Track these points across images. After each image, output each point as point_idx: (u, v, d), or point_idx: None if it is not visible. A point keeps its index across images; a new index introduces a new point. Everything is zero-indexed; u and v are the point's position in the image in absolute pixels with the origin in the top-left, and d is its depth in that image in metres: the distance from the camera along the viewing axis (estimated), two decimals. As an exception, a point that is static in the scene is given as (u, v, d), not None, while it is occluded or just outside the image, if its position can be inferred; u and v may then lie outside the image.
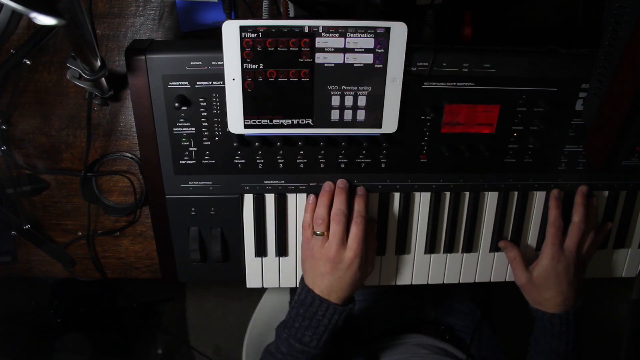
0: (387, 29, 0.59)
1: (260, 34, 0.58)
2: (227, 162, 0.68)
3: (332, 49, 0.59)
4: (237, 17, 0.73)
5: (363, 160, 0.69)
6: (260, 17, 0.72)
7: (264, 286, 0.77)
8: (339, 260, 0.66)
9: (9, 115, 0.75)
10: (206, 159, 0.67)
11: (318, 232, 0.67)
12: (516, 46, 0.65)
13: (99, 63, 0.59)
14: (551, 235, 0.72)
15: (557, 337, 0.72)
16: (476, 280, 0.79)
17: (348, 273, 0.67)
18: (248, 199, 0.71)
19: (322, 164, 0.69)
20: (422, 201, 0.73)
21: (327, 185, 0.69)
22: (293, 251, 0.75)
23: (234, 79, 0.60)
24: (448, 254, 0.77)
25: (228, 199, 0.70)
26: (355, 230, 0.66)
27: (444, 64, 0.63)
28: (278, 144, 0.67)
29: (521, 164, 0.71)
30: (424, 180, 0.71)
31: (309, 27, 0.58)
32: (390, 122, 0.65)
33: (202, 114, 0.64)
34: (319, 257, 0.67)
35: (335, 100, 0.62)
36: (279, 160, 0.68)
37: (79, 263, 0.83)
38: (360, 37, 0.59)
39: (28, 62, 0.72)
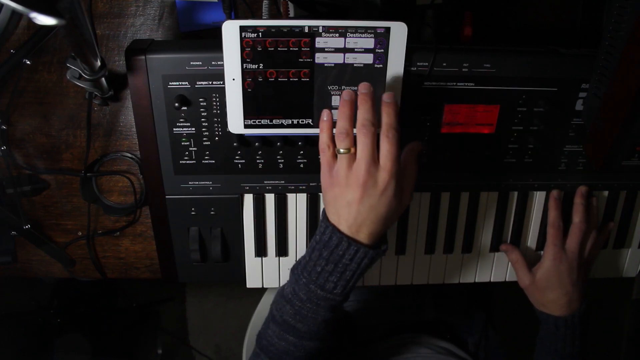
0: (387, 29, 0.59)
1: (260, 34, 0.58)
2: (227, 162, 0.68)
3: (332, 49, 0.59)
4: (237, 17, 0.73)
5: (363, 160, 0.69)
6: (260, 17, 0.72)
7: (264, 286, 0.77)
8: (372, 183, 0.54)
9: (9, 115, 0.74)
10: (206, 159, 0.67)
11: (342, 150, 0.55)
12: (516, 46, 0.65)
13: (99, 63, 0.59)
14: (552, 236, 0.72)
15: (562, 339, 0.72)
16: (476, 280, 0.79)
17: (383, 199, 0.55)
18: (248, 199, 0.71)
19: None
20: (421, 201, 0.73)
21: (346, 94, 0.57)
22: (293, 251, 0.75)
23: (234, 79, 0.60)
24: (448, 254, 0.77)
25: (228, 199, 0.70)
26: (387, 146, 0.54)
27: (444, 64, 0.63)
28: (278, 144, 0.67)
29: (521, 164, 0.71)
30: (423, 180, 0.71)
31: (309, 27, 0.58)
32: (390, 122, 0.64)
33: (202, 114, 0.64)
34: (345, 183, 0.55)
35: (336, 100, 0.62)
36: (279, 160, 0.68)
37: (79, 263, 0.83)
38: (360, 37, 0.59)
39: (28, 62, 0.72)
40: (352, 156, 0.55)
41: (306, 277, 0.58)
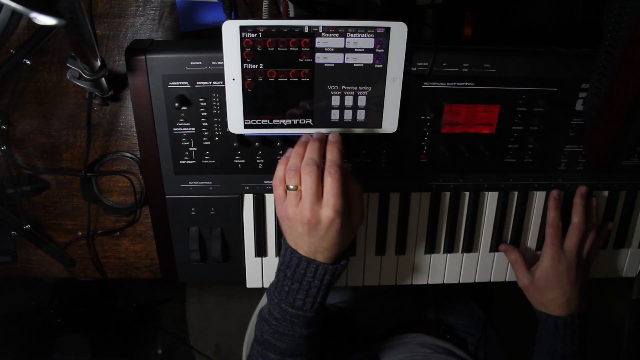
0: (387, 29, 0.59)
1: (260, 34, 0.58)
2: (227, 162, 0.68)
3: (332, 49, 0.59)
4: (237, 17, 0.73)
5: (363, 160, 0.69)
6: (260, 17, 0.72)
7: (264, 286, 0.77)
8: (317, 221, 0.57)
9: (9, 115, 0.75)
10: (206, 159, 0.67)
11: (291, 186, 0.58)
12: (516, 46, 0.65)
13: (99, 63, 0.59)
14: (550, 236, 0.72)
15: (561, 339, 0.72)
16: (476, 280, 0.79)
17: (330, 233, 0.58)
18: (248, 199, 0.71)
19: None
20: (422, 201, 0.73)
21: (304, 137, 0.61)
22: (293, 251, 0.75)
23: (234, 79, 0.60)
24: (448, 254, 0.77)
25: (228, 199, 0.70)
26: (330, 182, 0.56)
27: (444, 64, 0.63)
28: (278, 144, 0.67)
29: (521, 164, 0.71)
30: (424, 180, 0.71)
31: (309, 27, 0.58)
32: (390, 122, 0.65)
33: (202, 114, 0.64)
34: (294, 218, 0.58)
35: (335, 100, 0.62)
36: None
37: (79, 263, 0.83)
38: (360, 37, 0.59)
39: (28, 62, 0.72)
40: (299, 193, 0.58)
41: (277, 297, 0.62)
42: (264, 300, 1.12)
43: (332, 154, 0.58)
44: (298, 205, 0.57)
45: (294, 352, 0.62)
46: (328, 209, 0.56)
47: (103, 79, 0.64)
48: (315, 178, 0.56)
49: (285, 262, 0.61)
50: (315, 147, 0.58)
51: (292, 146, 0.66)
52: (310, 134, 0.61)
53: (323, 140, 0.59)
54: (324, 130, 0.64)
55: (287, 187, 0.58)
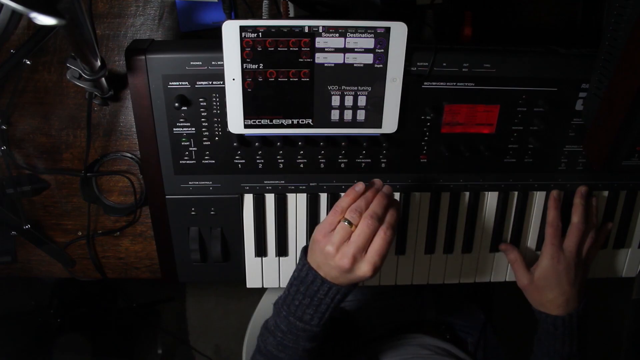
0: (387, 29, 0.59)
1: (260, 34, 0.58)
2: (227, 162, 0.68)
3: (332, 49, 0.59)
4: (237, 17, 0.73)
5: (363, 160, 0.69)
6: (260, 17, 0.72)
7: (264, 286, 0.77)
8: (351, 269, 0.59)
9: (9, 115, 0.74)
10: (206, 159, 0.67)
11: (349, 222, 0.59)
12: (516, 46, 0.65)
13: (99, 63, 0.59)
14: (550, 236, 0.72)
15: (560, 339, 0.72)
16: (476, 280, 0.79)
17: (356, 278, 0.60)
18: (248, 199, 0.71)
19: (322, 164, 0.69)
20: (422, 201, 0.73)
21: (378, 183, 0.64)
22: (293, 251, 0.75)
23: (234, 79, 0.60)
24: (448, 254, 0.77)
25: (228, 199, 0.70)
26: (379, 242, 0.58)
27: (444, 64, 0.63)
28: (278, 144, 0.67)
29: (521, 164, 0.71)
30: (423, 180, 0.71)
31: (309, 27, 0.58)
32: (390, 122, 0.65)
33: (202, 114, 0.64)
34: (333, 250, 0.59)
35: (335, 100, 0.62)
36: (279, 160, 0.68)
37: (79, 263, 0.83)
38: (360, 37, 0.59)
39: (28, 62, 0.72)
40: (350, 233, 0.59)
41: (286, 310, 0.63)
42: (264, 301, 1.12)
43: (392, 216, 0.60)
44: (342, 245, 0.59)
45: None
46: (369, 265, 0.58)
47: (103, 79, 0.64)
48: (372, 233, 0.58)
49: (300, 277, 0.63)
50: (383, 204, 0.60)
51: (292, 146, 0.67)
52: (382, 184, 0.63)
53: (391, 197, 0.62)
54: (323, 131, 0.64)
55: (344, 219, 0.59)
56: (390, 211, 0.61)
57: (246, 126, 0.63)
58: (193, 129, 0.65)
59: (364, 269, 0.58)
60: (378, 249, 0.58)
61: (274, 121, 0.63)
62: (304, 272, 0.62)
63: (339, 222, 0.60)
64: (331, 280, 0.61)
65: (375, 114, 0.64)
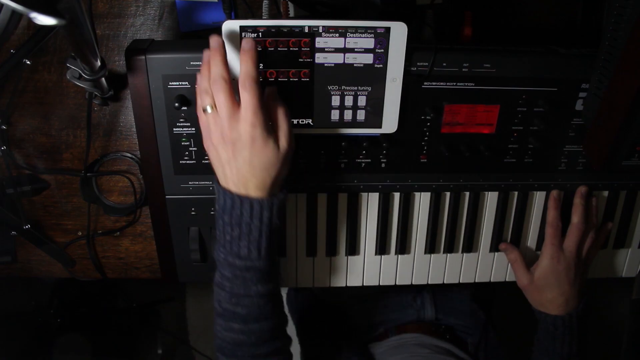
0: (387, 29, 0.59)
1: (260, 34, 0.58)
2: (227, 162, 0.67)
3: (332, 49, 0.59)
4: (237, 17, 0.73)
5: (363, 160, 0.69)
6: (260, 17, 0.72)
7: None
8: (237, 136, 0.53)
9: (9, 115, 0.75)
10: (206, 159, 0.67)
11: (208, 108, 0.54)
12: (516, 46, 0.65)
13: (99, 63, 0.59)
14: (550, 236, 0.72)
15: (560, 339, 0.72)
16: (476, 280, 0.79)
17: (253, 151, 0.54)
18: (248, 199, 0.71)
19: (322, 164, 0.69)
20: (422, 201, 0.73)
21: (205, 54, 0.56)
22: (293, 251, 0.75)
23: (234, 79, 0.60)
24: (448, 254, 0.77)
25: (228, 199, 0.70)
26: (245, 97, 0.52)
27: (444, 64, 0.63)
28: (278, 144, 0.67)
29: (521, 164, 0.71)
30: (424, 180, 0.71)
31: (309, 27, 0.58)
32: (390, 122, 0.65)
33: (202, 114, 0.64)
34: (217, 142, 0.55)
35: (335, 100, 0.62)
36: (279, 160, 0.68)
37: (79, 263, 0.83)
38: (360, 37, 0.59)
39: (28, 62, 0.72)
40: (217, 113, 0.54)
41: (222, 251, 0.58)
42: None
43: (245, 65, 0.53)
44: (217, 124, 0.54)
45: (257, 317, 0.58)
46: (245, 123, 0.53)
47: (103, 79, 0.64)
48: (227, 93, 0.53)
49: (220, 206, 0.57)
50: (218, 61, 0.53)
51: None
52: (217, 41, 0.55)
53: (222, 51, 0.54)
54: (323, 131, 0.64)
55: (204, 110, 0.54)
56: (242, 61, 0.53)
57: (246, 126, 0.63)
58: (193, 129, 0.65)
59: (244, 128, 0.53)
60: (246, 104, 0.52)
61: (274, 121, 0.63)
62: (221, 198, 0.57)
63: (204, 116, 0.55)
64: (244, 189, 0.55)
65: (375, 114, 0.64)
